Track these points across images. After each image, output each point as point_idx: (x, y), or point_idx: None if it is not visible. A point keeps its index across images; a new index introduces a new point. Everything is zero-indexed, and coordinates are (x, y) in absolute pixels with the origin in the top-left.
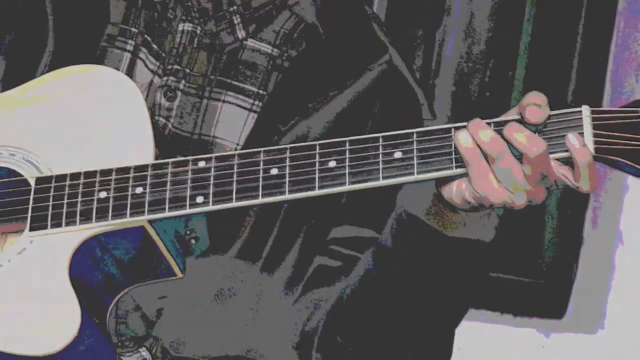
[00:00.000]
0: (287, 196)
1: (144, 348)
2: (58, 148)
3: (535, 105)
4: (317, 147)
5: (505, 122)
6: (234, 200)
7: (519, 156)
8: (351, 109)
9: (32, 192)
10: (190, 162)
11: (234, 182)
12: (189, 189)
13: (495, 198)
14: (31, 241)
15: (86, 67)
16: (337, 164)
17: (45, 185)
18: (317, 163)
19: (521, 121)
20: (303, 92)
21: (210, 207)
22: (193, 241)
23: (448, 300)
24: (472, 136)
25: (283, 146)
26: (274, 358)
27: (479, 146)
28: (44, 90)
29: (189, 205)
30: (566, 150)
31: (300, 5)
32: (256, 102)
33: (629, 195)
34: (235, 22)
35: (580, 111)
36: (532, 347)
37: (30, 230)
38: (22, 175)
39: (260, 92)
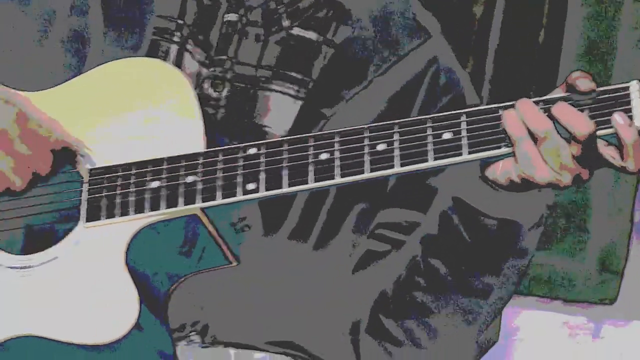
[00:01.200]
0: (338, 180)
1: (194, 333)
2: (110, 140)
3: (584, 77)
4: (366, 130)
5: (554, 101)
6: (285, 186)
7: (566, 136)
8: (398, 95)
9: (85, 184)
10: (241, 150)
11: (285, 168)
12: (240, 176)
13: (541, 177)
14: (86, 232)
15: (136, 60)
16: (387, 146)
17: (98, 177)
18: (366, 147)
19: (567, 99)
20: (347, 77)
21: (262, 194)
22: (246, 228)
23: (491, 282)
24: (520, 115)
25: (332, 131)
26: (323, 342)
27: (526, 126)
28: (95, 84)
29: (241, 192)
30: (611, 126)
31: None
32: (301, 89)
33: None
34: (280, 11)
35: (628, 87)
36: (583, 334)
37: (85, 222)
38: (75, 168)
39: (305, 79)
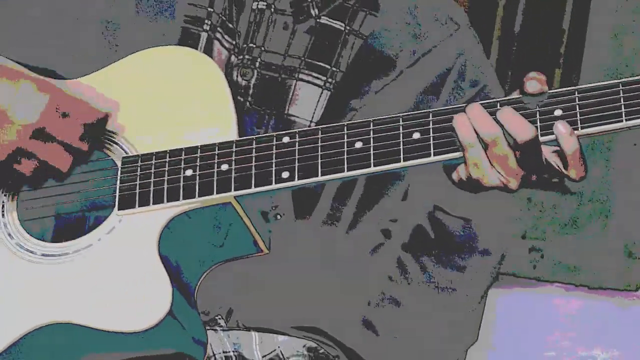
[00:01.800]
0: (373, 168)
1: (219, 317)
2: (142, 128)
3: (535, 79)
4: (400, 119)
5: (503, 104)
6: (319, 174)
7: (511, 142)
8: (427, 87)
9: (118, 173)
10: (275, 138)
11: (319, 157)
12: (274, 164)
13: (488, 180)
14: (120, 220)
15: (168, 48)
16: (420, 135)
17: (131, 166)
18: (401, 135)
19: (517, 102)
20: (375, 68)
21: (296, 182)
22: (278, 217)
23: (455, 277)
24: (470, 120)
25: (366, 120)
26: (346, 328)
27: (476, 131)
28: (128, 72)
29: (275, 180)
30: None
31: None
32: (329, 80)
33: None
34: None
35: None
36: (607, 320)
37: (119, 210)
38: (109, 157)
39: (333, 69)
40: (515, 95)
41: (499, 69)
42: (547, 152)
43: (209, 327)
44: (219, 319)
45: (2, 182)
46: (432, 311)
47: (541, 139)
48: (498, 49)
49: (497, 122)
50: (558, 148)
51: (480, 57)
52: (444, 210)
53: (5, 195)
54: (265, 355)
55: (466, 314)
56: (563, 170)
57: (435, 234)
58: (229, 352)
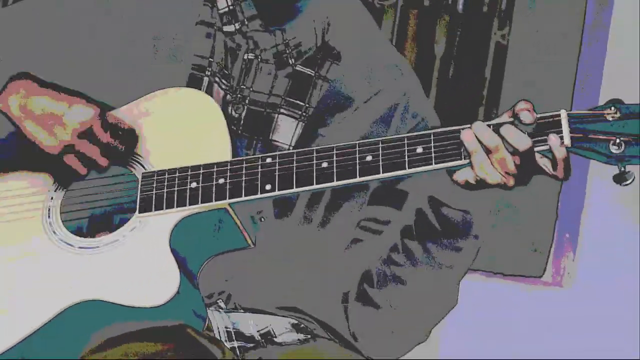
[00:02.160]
0: (335, 183)
1: (220, 300)
2: (159, 150)
3: (527, 110)
4: (357, 145)
5: (501, 124)
6: (294, 187)
7: (511, 150)
8: (378, 119)
9: (139, 184)
10: (260, 159)
11: (294, 174)
12: (259, 179)
13: (491, 180)
14: (140, 221)
15: (179, 89)
16: (372, 158)
17: (149, 179)
18: (357, 157)
19: (513, 123)
20: (338, 104)
21: (276, 193)
22: (262, 219)
23: (452, 257)
24: (475, 133)
25: (330, 145)
26: (319, 307)
27: (480, 141)
28: (148, 106)
29: (260, 191)
30: (546, 144)
31: (331, 35)
32: (303, 113)
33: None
34: (287, 52)
35: (559, 114)
36: (517, 301)
37: (139, 213)
38: (132, 173)
39: (306, 105)
40: (505, 118)
41: (437, 104)
42: (537, 157)
43: (213, 309)
44: (220, 302)
45: (56, 177)
46: (430, 285)
47: (537, 149)
48: (436, 90)
49: (497, 134)
50: (549, 155)
51: (420, 95)
52: (448, 205)
53: (51, 200)
54: (259, 331)
55: (455, 285)
56: (552, 171)
57: (441, 225)
58: (230, 328)
